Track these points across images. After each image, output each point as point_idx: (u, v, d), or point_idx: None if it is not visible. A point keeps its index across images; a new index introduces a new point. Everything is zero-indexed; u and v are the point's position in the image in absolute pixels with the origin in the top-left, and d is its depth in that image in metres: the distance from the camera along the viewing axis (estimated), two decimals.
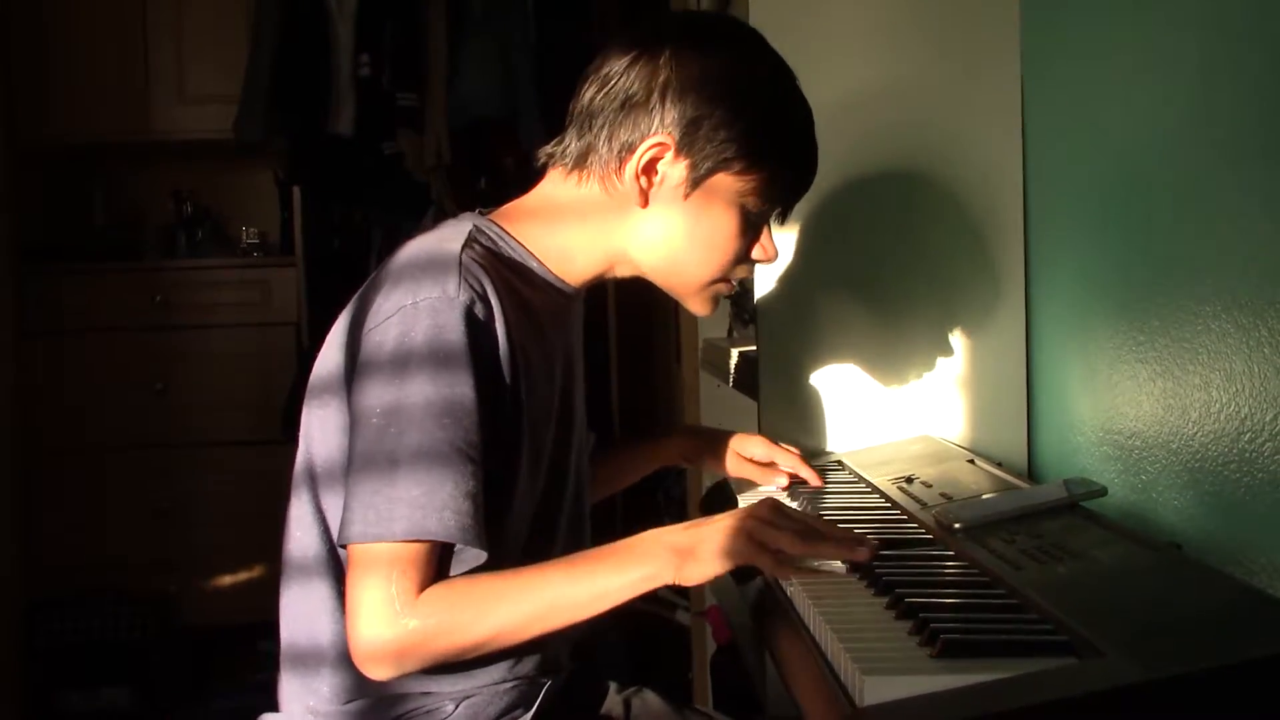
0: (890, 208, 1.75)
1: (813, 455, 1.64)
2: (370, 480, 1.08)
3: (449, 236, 1.18)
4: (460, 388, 1.09)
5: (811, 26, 1.74)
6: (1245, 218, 1.24)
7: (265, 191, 3.73)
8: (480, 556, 1.10)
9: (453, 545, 1.10)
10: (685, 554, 1.10)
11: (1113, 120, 1.54)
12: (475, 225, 1.21)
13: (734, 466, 1.55)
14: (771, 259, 1.31)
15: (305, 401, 1.23)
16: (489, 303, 1.13)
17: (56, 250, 3.50)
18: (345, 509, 1.09)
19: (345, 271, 3.27)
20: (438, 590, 1.08)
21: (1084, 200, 1.62)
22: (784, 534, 1.11)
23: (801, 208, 1.73)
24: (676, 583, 1.10)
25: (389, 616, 1.06)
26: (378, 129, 3.21)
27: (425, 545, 1.07)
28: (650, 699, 1.41)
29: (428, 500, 1.06)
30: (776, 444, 1.54)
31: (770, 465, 1.53)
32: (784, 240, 1.75)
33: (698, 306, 1.31)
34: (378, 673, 1.09)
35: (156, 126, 3.55)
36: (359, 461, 1.09)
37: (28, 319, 3.35)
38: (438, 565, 1.09)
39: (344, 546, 1.10)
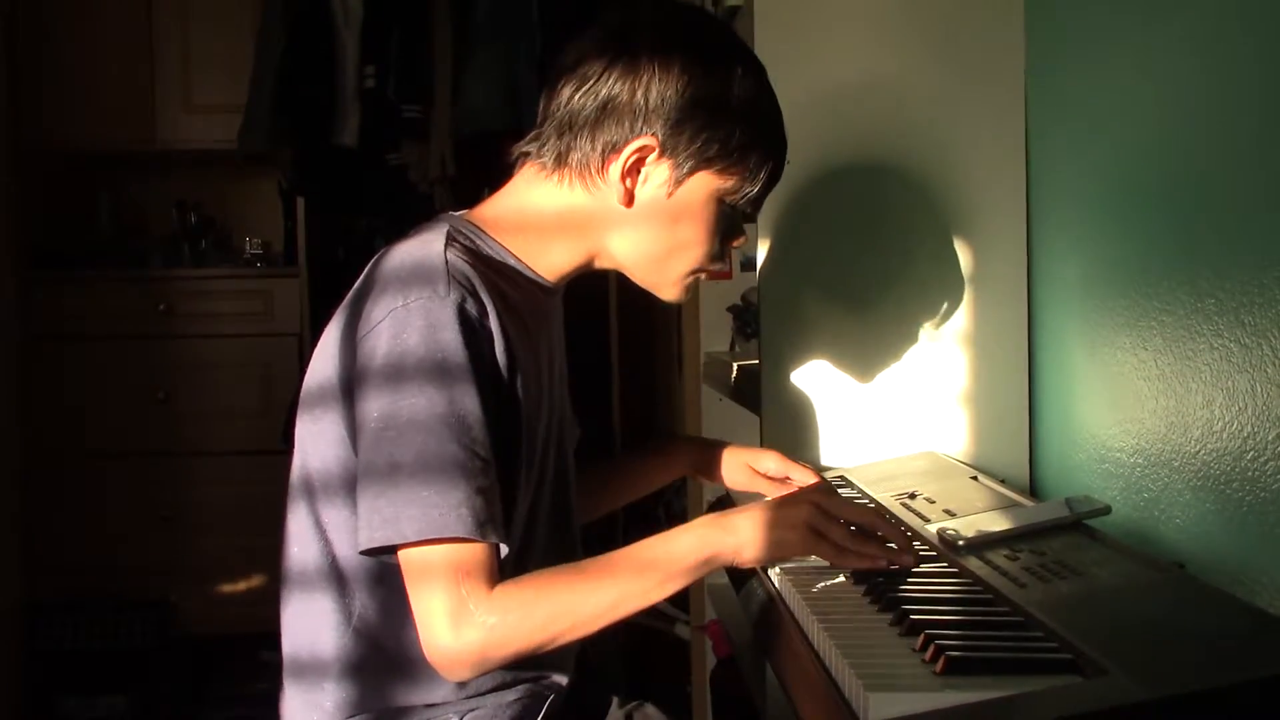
0: (894, 222, 1.76)
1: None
2: (377, 484, 1.08)
3: (429, 239, 1.18)
4: (461, 385, 1.09)
5: (814, 22, 1.74)
6: (1250, 234, 1.24)
7: (269, 202, 3.74)
8: (501, 552, 1.10)
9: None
10: (744, 537, 1.15)
11: (1116, 130, 1.54)
12: (452, 226, 1.22)
13: (745, 480, 1.53)
14: (743, 244, 1.34)
15: (299, 413, 1.23)
16: (480, 299, 1.13)
17: (62, 257, 3.51)
18: (360, 516, 1.09)
19: (348, 283, 3.25)
20: (508, 588, 1.08)
21: (1086, 216, 1.63)
22: (837, 528, 1.17)
23: (803, 220, 1.74)
24: (735, 564, 1.16)
25: (466, 617, 1.06)
26: (382, 140, 3.22)
27: (484, 545, 1.07)
28: (651, 713, 1.41)
29: (441, 499, 1.06)
30: (792, 461, 1.51)
31: (784, 481, 1.50)
32: (785, 252, 1.76)
33: (673, 296, 1.32)
34: (461, 675, 1.11)
35: (161, 136, 3.56)
36: (366, 469, 1.09)
37: (32, 324, 3.36)
38: (499, 564, 1.10)
39: (365, 553, 1.10)
